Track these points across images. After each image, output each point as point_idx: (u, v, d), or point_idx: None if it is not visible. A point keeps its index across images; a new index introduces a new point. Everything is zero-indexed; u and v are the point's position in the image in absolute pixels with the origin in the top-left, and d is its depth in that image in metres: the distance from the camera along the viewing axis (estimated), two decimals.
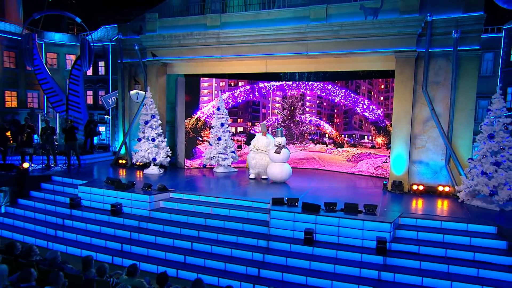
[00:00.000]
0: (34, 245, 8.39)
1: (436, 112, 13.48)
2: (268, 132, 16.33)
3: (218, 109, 17.21)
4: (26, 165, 14.84)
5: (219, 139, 17.00)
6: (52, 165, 17.39)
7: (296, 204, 11.23)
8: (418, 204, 12.36)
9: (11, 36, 21.47)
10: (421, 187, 13.59)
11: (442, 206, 12.23)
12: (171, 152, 17.27)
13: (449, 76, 13.22)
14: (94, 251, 10.79)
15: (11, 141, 17.78)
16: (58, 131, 21.67)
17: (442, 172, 13.65)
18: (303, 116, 19.25)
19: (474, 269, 8.87)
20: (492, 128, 11.43)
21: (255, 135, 18.47)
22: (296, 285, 9.21)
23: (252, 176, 15.87)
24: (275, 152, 14.64)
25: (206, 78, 18.35)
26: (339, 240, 10.29)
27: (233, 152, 17.58)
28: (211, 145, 17.46)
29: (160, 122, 17.01)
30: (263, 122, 17.02)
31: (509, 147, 11.26)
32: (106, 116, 24.56)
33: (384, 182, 14.57)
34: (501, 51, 16.16)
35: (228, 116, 17.47)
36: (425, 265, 9.21)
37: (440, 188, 13.41)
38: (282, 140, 14.83)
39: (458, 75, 13.09)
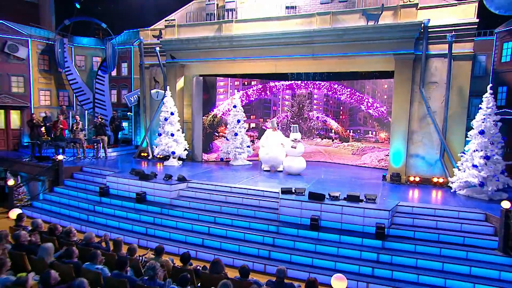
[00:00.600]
0: (72, 227, 8.89)
1: (432, 110, 13.50)
2: (278, 128, 16.44)
3: (235, 106, 17.23)
4: (60, 157, 15.15)
5: (236, 134, 17.07)
6: (82, 157, 17.73)
7: (303, 193, 11.32)
8: (414, 194, 12.46)
9: (45, 41, 21.64)
10: (417, 179, 13.64)
11: (436, 195, 12.29)
12: (188, 146, 17.45)
13: (444, 77, 13.21)
14: (122, 234, 10.94)
15: (45, 136, 18.19)
16: (86, 127, 22.01)
17: (436, 165, 13.68)
18: (310, 113, 19.29)
19: (463, 252, 9.03)
20: (483, 125, 11.44)
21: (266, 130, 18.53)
22: (303, 266, 9.39)
23: (266, 168, 15.95)
24: (291, 147, 14.73)
25: (222, 78, 18.34)
26: (342, 226, 10.44)
27: (248, 146, 17.60)
28: (227, 140, 17.47)
29: (178, 118, 17.15)
30: (273, 119, 17.16)
31: (497, 142, 11.31)
32: (128, 113, 24.82)
33: (384, 174, 14.65)
34: (493, 53, 16.05)
35: (243, 113, 17.44)
36: (419, 248, 9.37)
37: (435, 180, 13.45)
38: (297, 135, 14.92)
39: (452, 76, 13.08)
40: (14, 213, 9.43)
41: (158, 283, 6.13)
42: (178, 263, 7.82)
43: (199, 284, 6.83)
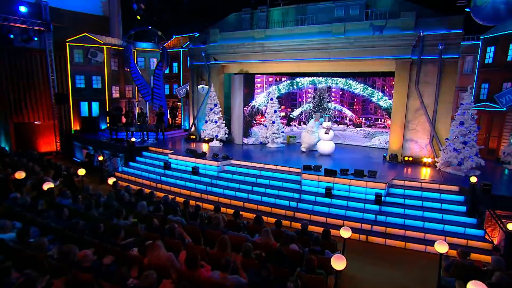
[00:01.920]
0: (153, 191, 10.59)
1: (424, 104, 14.10)
2: (301, 117, 17.03)
3: (271, 99, 17.71)
4: (133, 139, 16.71)
5: (273, 122, 17.59)
6: (146, 139, 19.18)
7: (320, 169, 12.36)
8: (407, 171, 13.21)
9: (115, 47, 23.03)
10: (410, 159, 14.36)
11: (425, 172, 13.03)
12: (228, 130, 18.50)
13: (435, 77, 13.74)
14: (183, 198, 11.70)
15: (120, 122, 19.77)
16: (148, 114, 23.42)
17: (426, 148, 14.36)
18: (329, 104, 19.77)
19: (440, 214, 10.08)
20: (463, 117, 12.10)
21: (293, 118, 19.21)
22: (319, 223, 10.50)
23: (304, 149, 16.59)
24: (324, 133, 15.37)
25: (259, 75, 18.84)
26: (349, 194, 11.53)
27: (283, 132, 18.14)
28: (266, 127, 17.99)
29: (220, 108, 18.19)
30: (318, 113, 17.56)
31: (473, 131, 12.00)
32: (178, 103, 26.17)
33: (384, 154, 15.41)
34: (479, 55, 16.31)
35: (278, 104, 17.91)
36: (407, 211, 10.42)
37: (425, 160, 14.12)
38: (329, 124, 15.54)
39: (441, 77, 13.64)
40: (111, 180, 11.25)
41: (221, 229, 7.73)
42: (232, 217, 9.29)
43: (246, 232, 8.39)
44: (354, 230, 9.13)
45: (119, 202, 9.25)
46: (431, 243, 8.88)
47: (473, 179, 9.75)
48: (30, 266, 4.88)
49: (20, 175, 9.92)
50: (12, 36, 17.20)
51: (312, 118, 17.52)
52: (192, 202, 11.24)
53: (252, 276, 5.53)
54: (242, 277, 5.37)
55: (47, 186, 9.17)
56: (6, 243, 5.38)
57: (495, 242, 8.70)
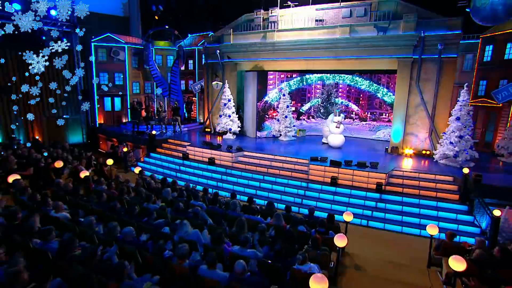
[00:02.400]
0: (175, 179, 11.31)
1: (424, 100, 14.45)
2: (310, 111, 17.41)
3: (284, 95, 18.05)
4: (154, 132, 17.44)
5: (286, 117, 17.97)
6: (164, 132, 19.91)
7: (326, 160, 12.93)
8: (407, 162, 13.66)
9: (135, 46, 23.60)
10: (411, 151, 14.75)
11: (423, 163, 13.47)
12: (240, 124, 19.00)
13: (435, 75, 14.06)
14: (201, 186, 12.55)
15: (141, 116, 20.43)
16: (166, 109, 24.07)
17: (425, 141, 14.74)
18: (337, 99, 20.17)
19: (434, 202, 10.61)
20: (459, 113, 12.48)
21: (303, 112, 19.58)
22: (325, 209, 11.03)
23: (326, 141, 16.94)
24: (335, 127, 15.73)
25: (271, 72, 19.14)
26: (352, 183, 12.07)
27: (294, 125, 18.50)
28: (278, 121, 18.35)
29: (233, 104, 18.67)
30: (337, 108, 17.81)
31: (469, 126, 12.40)
32: (193, 98, 26.78)
33: (386, 147, 15.83)
34: (478, 53, 16.45)
35: (290, 100, 18.28)
36: (405, 199, 10.98)
37: (424, 152, 14.56)
38: (340, 118, 15.79)
39: (440, 74, 13.96)
40: (137, 169, 12.08)
41: (237, 213, 8.47)
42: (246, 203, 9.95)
43: (260, 215, 9.10)
44: (356, 215, 9.87)
45: (146, 189, 10.07)
46: (426, 227, 9.57)
47: (466, 170, 10.26)
48: (83, 239, 5.70)
49: (59, 164, 10.81)
50: (44, 37, 18.01)
51: (327, 113, 17.78)
52: None
53: (266, 251, 6.27)
54: (258, 252, 6.12)
55: (83, 174, 10.01)
56: (62, 220, 6.20)
57: (483, 226, 9.23)
